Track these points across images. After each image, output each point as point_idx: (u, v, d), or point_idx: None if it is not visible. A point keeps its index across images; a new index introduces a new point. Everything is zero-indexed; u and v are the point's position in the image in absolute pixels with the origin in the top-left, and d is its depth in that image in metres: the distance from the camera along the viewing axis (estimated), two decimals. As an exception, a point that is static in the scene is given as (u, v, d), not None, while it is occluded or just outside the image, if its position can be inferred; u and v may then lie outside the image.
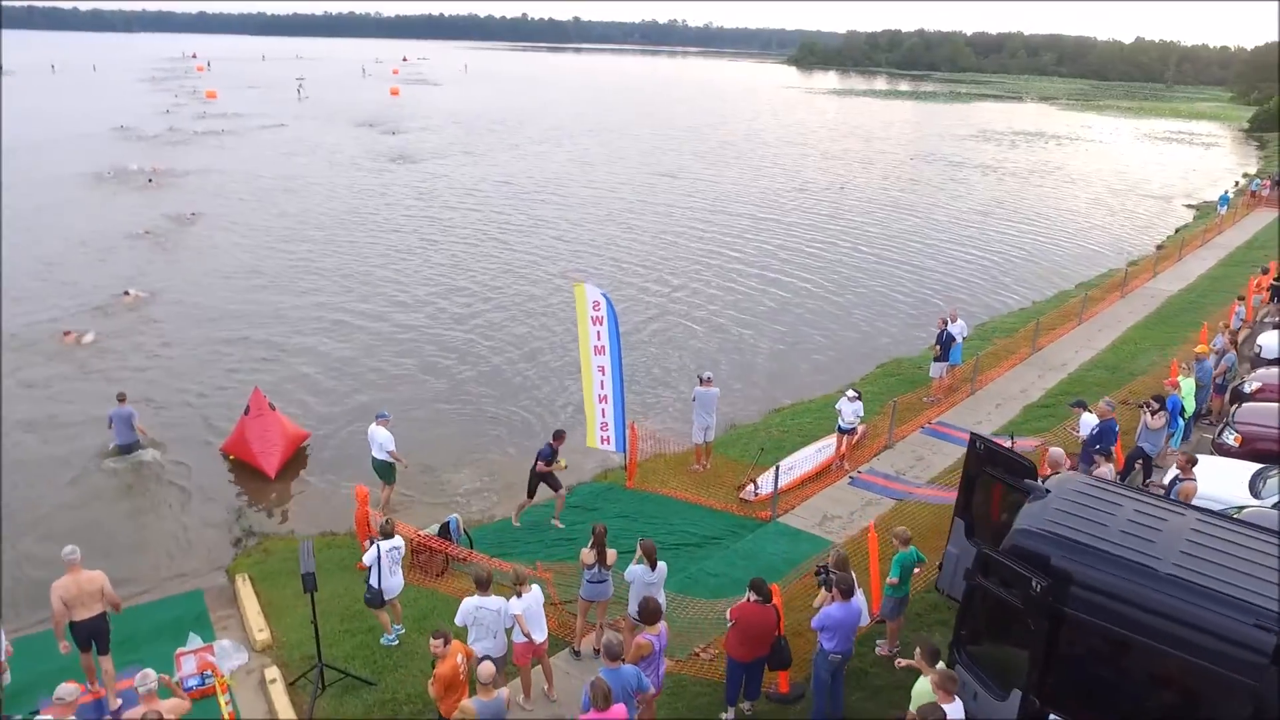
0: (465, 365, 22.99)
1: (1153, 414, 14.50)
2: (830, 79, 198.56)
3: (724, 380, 21.82)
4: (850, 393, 16.90)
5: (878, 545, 11.65)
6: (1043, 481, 9.66)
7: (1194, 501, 13.08)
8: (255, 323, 25.40)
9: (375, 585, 10.94)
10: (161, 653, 10.90)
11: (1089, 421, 14.31)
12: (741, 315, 27.71)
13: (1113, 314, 26.83)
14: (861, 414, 17.00)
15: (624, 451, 16.55)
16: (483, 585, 9.71)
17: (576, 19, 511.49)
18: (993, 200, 49.49)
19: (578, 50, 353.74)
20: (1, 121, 60.46)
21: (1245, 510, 11.49)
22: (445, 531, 13.57)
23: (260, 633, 11.55)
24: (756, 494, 15.82)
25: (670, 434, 18.84)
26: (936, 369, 20.14)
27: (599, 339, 16.10)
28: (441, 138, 67.09)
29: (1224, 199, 44.33)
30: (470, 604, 9.68)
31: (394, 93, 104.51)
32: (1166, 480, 13.31)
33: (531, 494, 15.00)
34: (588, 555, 10.80)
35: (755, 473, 16.33)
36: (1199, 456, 14.67)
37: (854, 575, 9.71)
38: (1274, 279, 26.02)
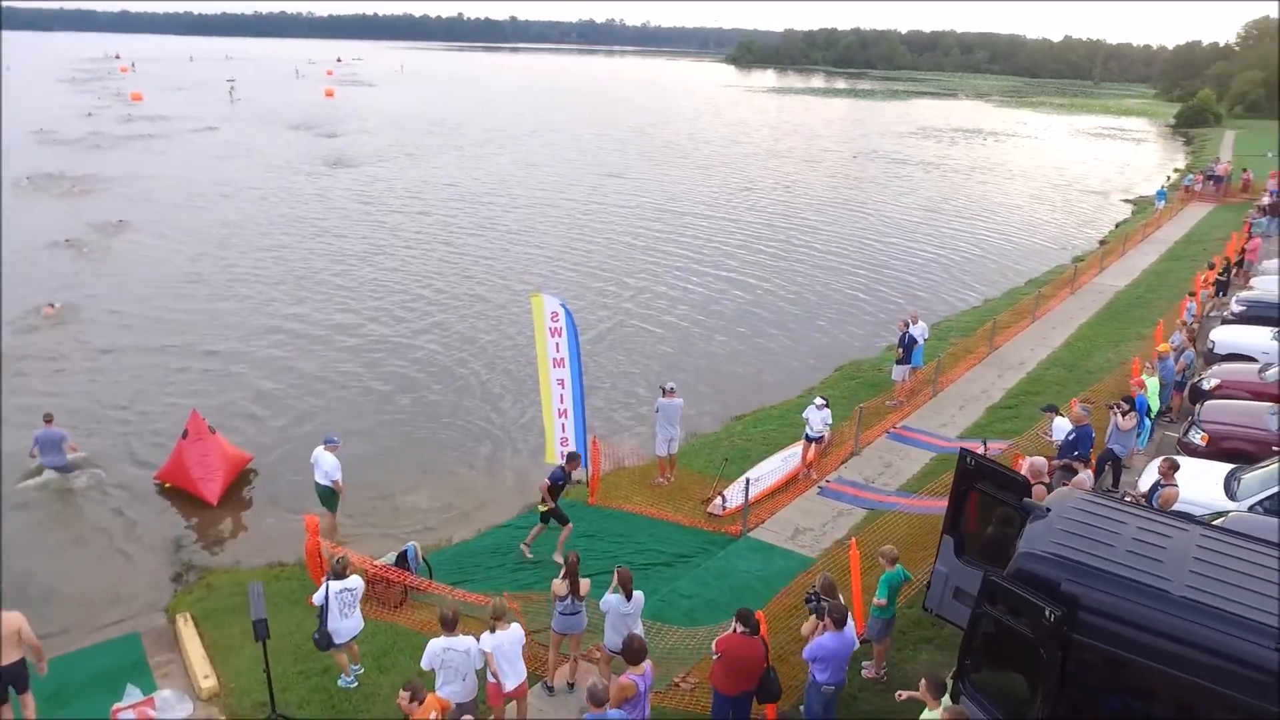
0: (420, 378, 22.05)
1: (1123, 415, 14.32)
2: (768, 77, 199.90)
3: (682, 388, 21.37)
4: (818, 400, 16.53)
5: (860, 563, 11.21)
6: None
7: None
8: (192, 337, 24.10)
9: (324, 628, 10.15)
10: (96, 708, 10.00)
11: (1062, 426, 14.09)
12: (699, 319, 27.23)
13: (1064, 311, 26.95)
14: (830, 421, 16.64)
15: (585, 467, 15.92)
16: (449, 625, 9.02)
17: (513, 18, 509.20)
18: (939, 197, 49.86)
19: (514, 50, 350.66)
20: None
21: (1230, 516, 11.27)
22: (403, 560, 12.80)
23: (206, 680, 10.67)
24: (725, 507, 15.33)
25: (632, 446, 18.30)
26: (899, 372, 19.86)
27: (558, 350, 15.50)
28: (381, 140, 65.54)
29: (1161, 193, 45.24)
30: (437, 645, 8.99)
31: (329, 94, 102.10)
32: (1143, 484, 13.13)
33: (545, 520, 14.03)
34: (560, 586, 10.17)
35: (721, 485, 15.84)
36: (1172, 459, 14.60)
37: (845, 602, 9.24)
38: (1218, 274, 26.35)
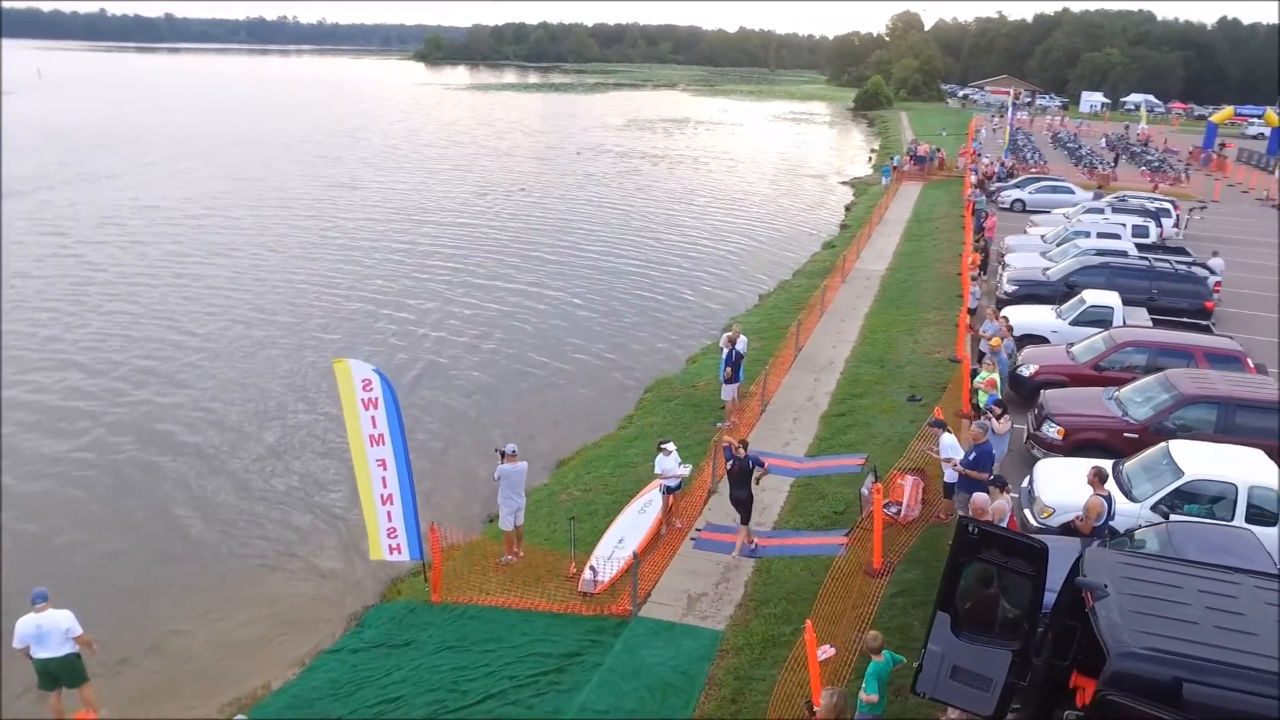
0: (182, 467, 17.73)
1: (998, 419, 13.78)
2: (462, 74, 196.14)
3: (493, 430, 18.91)
4: (666, 445, 14.64)
5: (815, 645, 9.53)
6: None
7: (1058, 514, 12.49)
8: None
9: None
10: None
11: (950, 443, 13.26)
12: (503, 345, 24.94)
13: (845, 301, 27.04)
14: (682, 462, 14.89)
15: (421, 558, 13.10)
16: None
17: (169, 16, 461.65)
18: (684, 190, 50.08)
19: (174, 50, 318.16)
20: None
21: (1171, 524, 10.81)
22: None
23: None
24: (597, 583, 13.15)
25: (459, 519, 15.63)
26: (728, 391, 18.48)
27: (375, 426, 12.57)
28: (41, 159, 55.47)
29: (886, 171, 48.36)
30: None
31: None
32: (1042, 493, 12.61)
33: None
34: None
35: (582, 556, 13.65)
36: (1046, 461, 14.30)
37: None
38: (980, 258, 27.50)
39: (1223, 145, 66.44)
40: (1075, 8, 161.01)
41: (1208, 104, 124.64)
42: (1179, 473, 12.20)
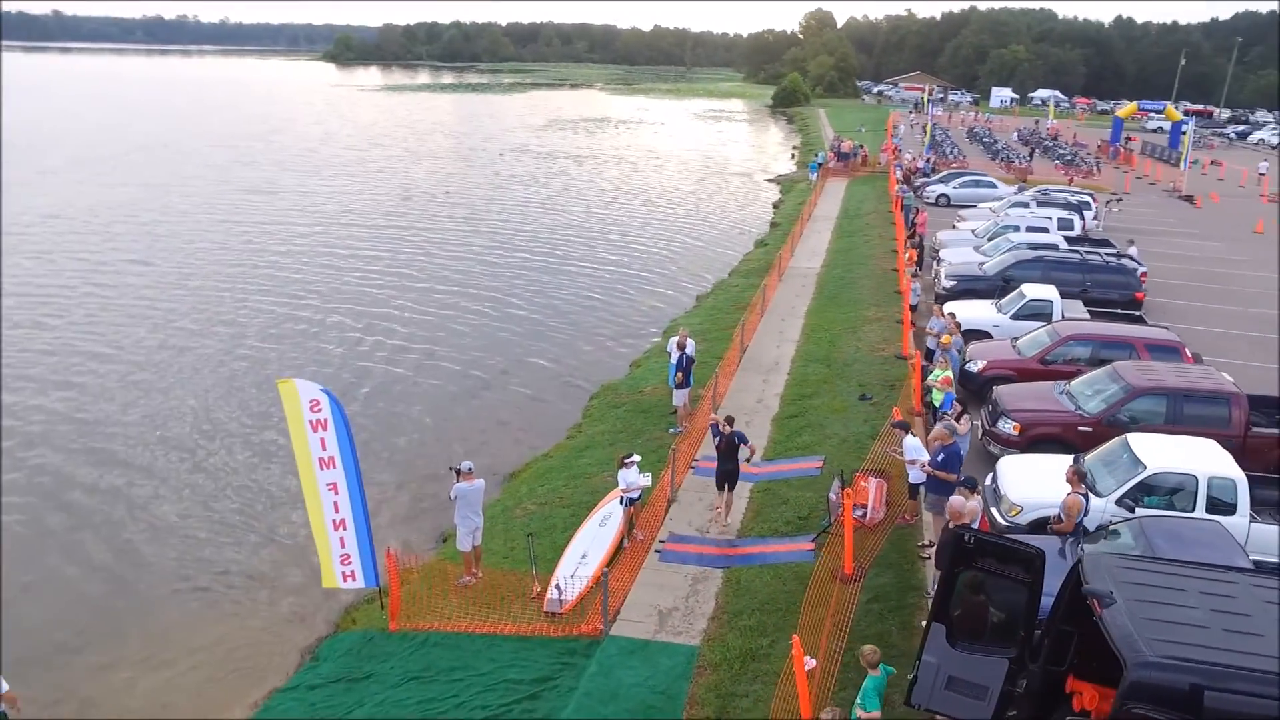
0: (112, 503, 16.60)
1: (958, 418, 13.78)
2: (375, 75, 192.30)
3: (437, 446, 18.34)
4: (630, 459, 14.27)
5: (802, 658, 9.30)
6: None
7: (1026, 511, 12.56)
8: None
9: None
10: None
11: (914, 445, 13.20)
12: (448, 350, 24.34)
13: (783, 300, 27.01)
14: (647, 476, 14.58)
15: (377, 584, 12.50)
16: None
17: (57, 13, 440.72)
18: (614, 190, 49.76)
19: (65, 50, 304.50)
20: None
21: (1144, 518, 10.88)
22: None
23: None
24: (563, 602, 12.73)
25: (413, 541, 15.03)
26: (679, 396, 18.21)
27: (324, 448, 11.92)
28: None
29: (813, 167, 48.99)
30: None
31: None
32: (1008, 490, 12.63)
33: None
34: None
35: (543, 574, 13.22)
36: (1009, 458, 14.36)
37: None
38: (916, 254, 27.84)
39: (1128, 139, 68.99)
40: (982, 6, 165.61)
41: (1108, 99, 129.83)
42: (1141, 466, 12.35)
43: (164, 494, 16.74)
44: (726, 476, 14.34)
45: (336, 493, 12.07)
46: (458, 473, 13.14)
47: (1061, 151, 62.17)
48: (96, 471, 17.43)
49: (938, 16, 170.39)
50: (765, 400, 19.63)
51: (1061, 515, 11.12)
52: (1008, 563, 8.10)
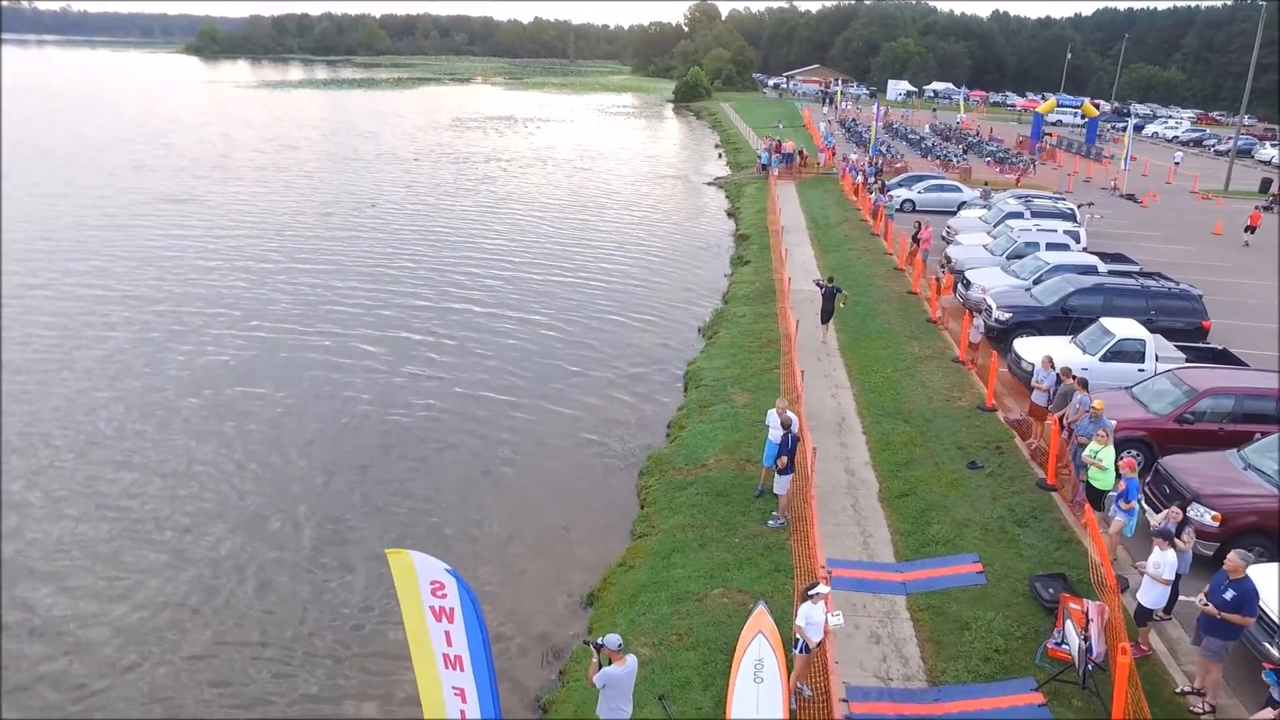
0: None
1: (1180, 530, 11.35)
2: (245, 70, 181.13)
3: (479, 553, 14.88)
4: (816, 591, 10.87)
5: None
6: None
7: None
8: None
9: None
10: None
11: (1169, 562, 10.66)
12: (405, 421, 20.09)
13: (806, 333, 24.05)
14: (838, 615, 11.42)
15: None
16: None
17: None
18: (547, 201, 46.11)
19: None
20: None
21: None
22: None
23: None
24: None
25: None
26: (781, 484, 14.79)
27: (450, 644, 8.48)
28: None
29: (777, 162, 48.14)
30: None
31: None
32: None
33: None
34: None
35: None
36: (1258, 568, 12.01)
37: None
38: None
39: (1046, 135, 69.57)
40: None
41: (990, 90, 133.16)
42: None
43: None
44: (826, 316, 22.54)
45: (464, 700, 8.67)
46: (597, 648, 9.80)
47: (990, 148, 61.92)
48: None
49: (815, 9, 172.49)
50: (857, 472, 16.79)
51: None
52: None
